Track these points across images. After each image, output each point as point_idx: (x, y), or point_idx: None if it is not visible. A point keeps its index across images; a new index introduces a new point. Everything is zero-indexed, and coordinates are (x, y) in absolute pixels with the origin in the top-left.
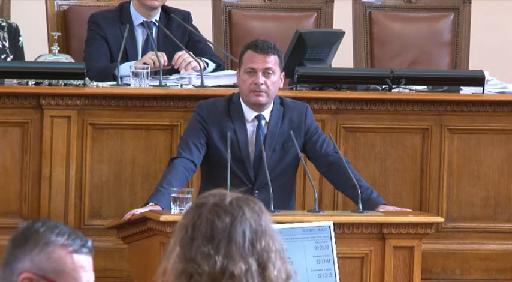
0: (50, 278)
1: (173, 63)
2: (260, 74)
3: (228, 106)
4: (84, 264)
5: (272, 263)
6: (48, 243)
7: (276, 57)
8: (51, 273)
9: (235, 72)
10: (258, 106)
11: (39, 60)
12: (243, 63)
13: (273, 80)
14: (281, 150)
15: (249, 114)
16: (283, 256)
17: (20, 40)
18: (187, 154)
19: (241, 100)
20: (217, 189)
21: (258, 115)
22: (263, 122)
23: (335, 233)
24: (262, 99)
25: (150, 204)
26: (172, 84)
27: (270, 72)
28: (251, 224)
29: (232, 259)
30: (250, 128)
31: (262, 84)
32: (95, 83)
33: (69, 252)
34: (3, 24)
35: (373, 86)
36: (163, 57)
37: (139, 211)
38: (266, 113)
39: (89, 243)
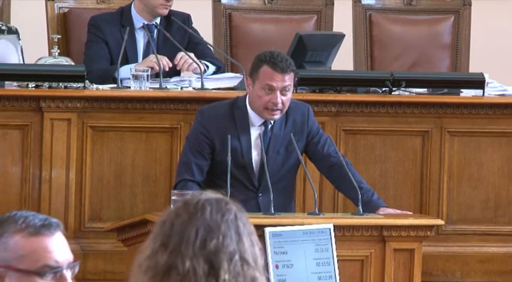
0: (13, 266)
1: (175, 62)
2: (278, 92)
3: (232, 111)
4: (46, 244)
5: (226, 265)
6: (2, 233)
7: (292, 73)
8: (13, 260)
9: (236, 74)
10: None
11: (39, 62)
12: (260, 78)
13: (288, 96)
14: (285, 153)
15: (256, 120)
16: (247, 258)
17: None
18: (190, 176)
19: (248, 105)
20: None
21: (265, 121)
22: (269, 127)
23: (335, 235)
24: (277, 116)
25: None
26: (173, 86)
27: (287, 89)
28: (208, 223)
29: (180, 256)
30: (255, 132)
31: (279, 103)
32: (95, 86)
33: (24, 236)
34: (3, 28)
35: (373, 88)
36: (164, 60)
37: None
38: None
39: (52, 222)
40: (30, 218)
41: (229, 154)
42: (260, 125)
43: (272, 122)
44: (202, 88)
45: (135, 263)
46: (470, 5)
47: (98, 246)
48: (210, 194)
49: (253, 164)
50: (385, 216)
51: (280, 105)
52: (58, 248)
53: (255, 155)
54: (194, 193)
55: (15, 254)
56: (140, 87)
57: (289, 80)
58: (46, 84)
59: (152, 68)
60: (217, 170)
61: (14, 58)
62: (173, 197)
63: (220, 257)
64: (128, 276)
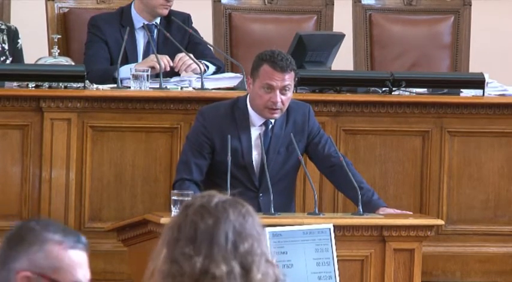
0: (48, 276)
1: (173, 65)
2: (277, 91)
3: (233, 111)
4: (79, 260)
5: (256, 266)
6: (44, 241)
7: (293, 73)
8: (49, 270)
9: (236, 74)
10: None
11: (39, 62)
12: (260, 77)
13: (288, 95)
14: (285, 153)
15: (257, 120)
16: (270, 259)
17: (18, 42)
18: (188, 175)
19: (248, 106)
20: (209, 191)
21: (266, 121)
22: (269, 127)
23: (335, 235)
24: (277, 115)
25: None
26: (173, 86)
27: (287, 89)
28: (235, 226)
29: (214, 260)
30: (256, 132)
31: (279, 102)
32: (95, 86)
33: (64, 248)
34: (3, 27)
35: (373, 88)
36: (165, 59)
37: None
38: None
39: (83, 239)
40: (64, 230)
41: (229, 155)
42: (261, 125)
43: (273, 122)
44: (202, 88)
45: (151, 268)
46: (470, 5)
47: (98, 246)
48: (220, 195)
49: (254, 164)
50: (385, 216)
51: (279, 105)
52: (86, 265)
53: (256, 155)
54: (203, 194)
55: (53, 264)
56: (140, 87)
57: (289, 79)
58: (46, 84)
59: (153, 68)
60: (218, 170)
61: None
62: (173, 197)
63: (251, 259)
64: (130, 276)
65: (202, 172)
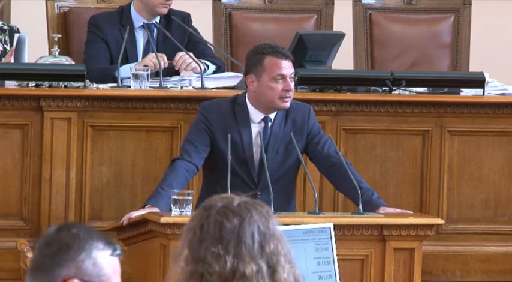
0: None
1: (174, 63)
2: (288, 79)
3: (233, 107)
4: (118, 267)
5: (281, 267)
6: (92, 248)
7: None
8: (96, 278)
9: (236, 74)
10: (273, 110)
11: (39, 62)
12: (268, 71)
13: (293, 83)
14: (284, 152)
15: (256, 116)
16: (291, 260)
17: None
18: (188, 156)
19: (247, 102)
20: (225, 193)
21: (265, 117)
22: (269, 124)
23: (335, 234)
24: (289, 104)
25: (148, 206)
26: (173, 86)
27: (292, 76)
28: (259, 226)
29: (242, 260)
30: (255, 129)
31: (292, 89)
32: (95, 85)
33: (108, 255)
34: (5, 27)
35: (373, 87)
36: (163, 58)
37: (135, 214)
38: (272, 115)
39: (118, 247)
40: (103, 237)
41: (229, 154)
42: (259, 122)
43: (272, 119)
44: (203, 87)
45: (172, 271)
46: (471, 4)
47: None
48: (240, 197)
49: (254, 160)
50: (385, 216)
51: (291, 92)
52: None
53: (255, 153)
54: (222, 196)
55: (99, 272)
56: (140, 87)
57: (292, 66)
58: (46, 83)
59: (147, 66)
60: (218, 165)
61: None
62: (173, 197)
63: (275, 259)
64: (130, 276)
65: (201, 156)
